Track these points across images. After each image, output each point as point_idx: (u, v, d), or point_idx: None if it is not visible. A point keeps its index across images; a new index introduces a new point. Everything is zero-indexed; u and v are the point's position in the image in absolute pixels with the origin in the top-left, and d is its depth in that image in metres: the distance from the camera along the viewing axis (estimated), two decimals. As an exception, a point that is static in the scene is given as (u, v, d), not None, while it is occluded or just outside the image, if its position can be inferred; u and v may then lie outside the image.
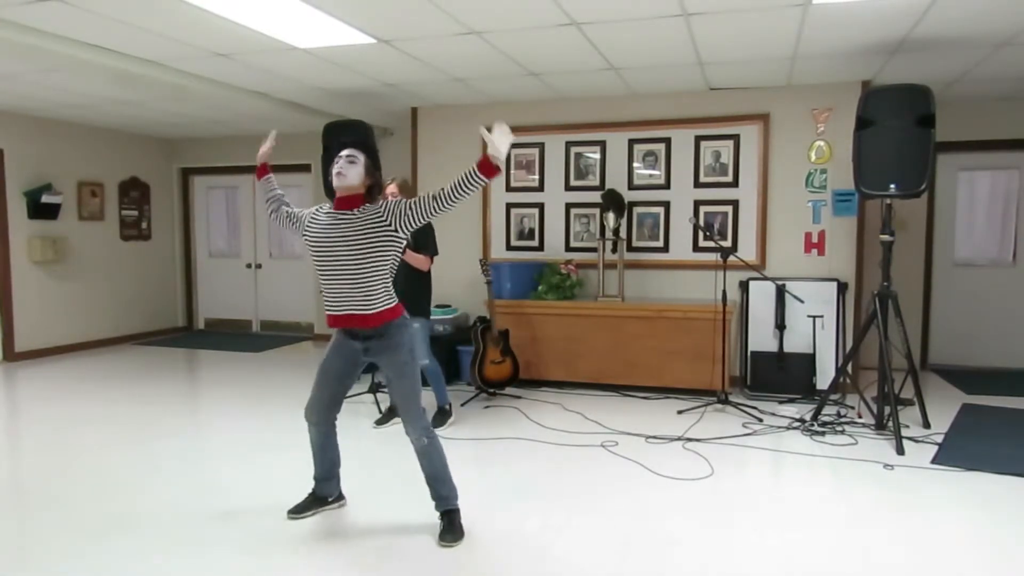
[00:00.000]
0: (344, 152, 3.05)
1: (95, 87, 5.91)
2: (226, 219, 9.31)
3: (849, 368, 5.08)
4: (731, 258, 5.15)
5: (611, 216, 5.87)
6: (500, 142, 2.75)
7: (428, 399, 3.50)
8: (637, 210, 6.19)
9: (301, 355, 7.67)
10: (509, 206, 6.57)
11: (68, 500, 3.49)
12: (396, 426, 4.77)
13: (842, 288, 5.61)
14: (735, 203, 5.95)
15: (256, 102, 6.11)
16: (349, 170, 3.04)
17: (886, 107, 4.43)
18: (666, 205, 6.13)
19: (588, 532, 3.11)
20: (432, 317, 5.63)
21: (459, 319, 6.32)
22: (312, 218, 3.12)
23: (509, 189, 6.55)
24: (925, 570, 2.77)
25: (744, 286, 5.80)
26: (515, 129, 6.77)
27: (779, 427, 4.75)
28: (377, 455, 4.18)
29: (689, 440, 4.45)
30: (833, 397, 5.16)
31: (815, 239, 5.79)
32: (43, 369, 6.85)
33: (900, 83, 4.54)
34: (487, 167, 2.77)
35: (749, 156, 5.89)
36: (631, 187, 6.17)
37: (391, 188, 4.75)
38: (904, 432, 4.40)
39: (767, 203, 5.87)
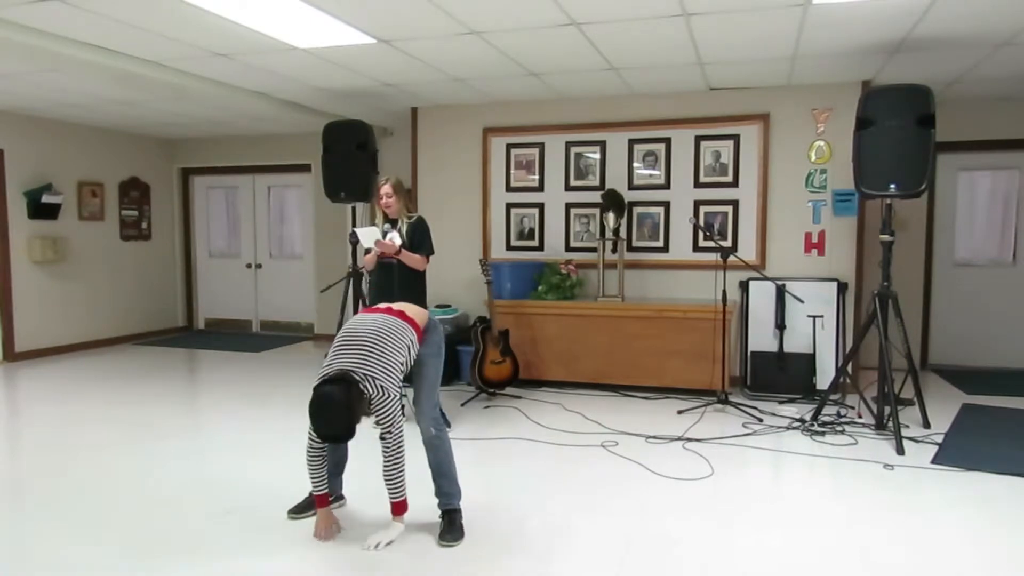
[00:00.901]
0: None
1: (95, 87, 5.91)
2: (226, 219, 9.31)
3: (849, 368, 5.08)
4: (731, 258, 5.15)
5: (611, 216, 5.86)
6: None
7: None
8: (637, 210, 6.19)
9: (301, 355, 7.66)
10: (509, 206, 6.57)
11: (68, 500, 3.49)
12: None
13: (842, 288, 5.61)
14: (735, 203, 5.95)
15: (256, 102, 6.11)
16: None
17: (886, 107, 4.43)
18: (666, 205, 6.13)
19: (588, 532, 3.11)
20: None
21: (459, 319, 6.32)
22: None
23: (509, 189, 6.55)
24: (925, 570, 2.77)
25: (744, 286, 5.80)
26: (515, 129, 6.83)
27: (779, 427, 4.75)
28: (377, 456, 4.16)
29: (689, 440, 4.45)
30: (833, 397, 5.15)
31: (815, 239, 5.79)
32: (43, 369, 6.85)
33: (900, 83, 4.54)
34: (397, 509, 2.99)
35: (749, 156, 5.89)
36: (631, 187, 6.17)
37: (385, 189, 4.75)
38: (904, 432, 4.39)
39: (767, 203, 5.87)
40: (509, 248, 6.58)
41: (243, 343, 8.33)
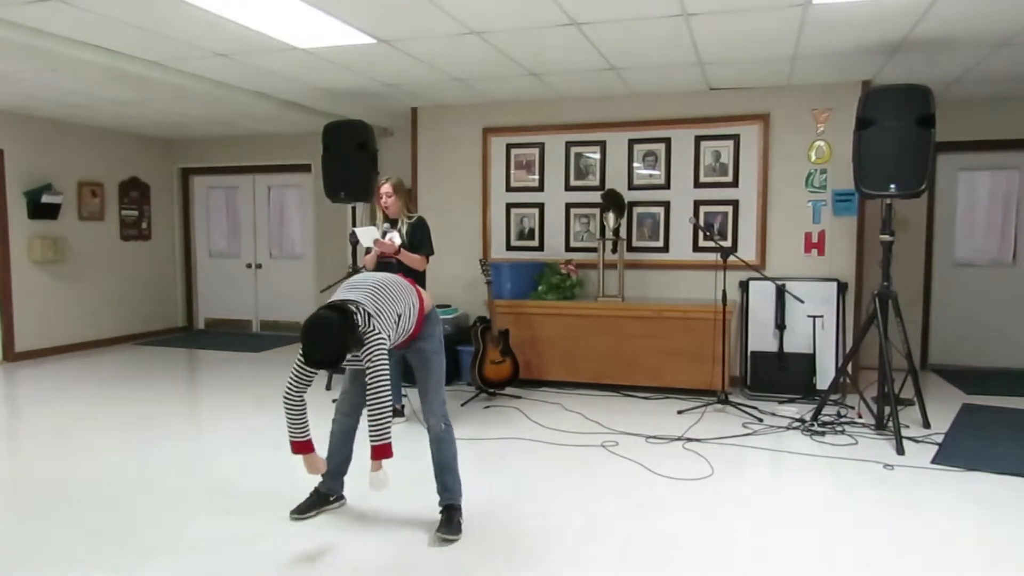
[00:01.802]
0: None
1: (95, 87, 5.91)
2: (226, 219, 9.31)
3: (849, 368, 5.08)
4: (731, 258, 5.15)
5: (611, 216, 5.86)
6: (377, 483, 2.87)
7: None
8: (637, 210, 6.19)
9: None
10: (509, 206, 6.57)
11: (68, 500, 3.49)
12: (395, 427, 4.77)
13: (842, 288, 5.61)
14: (735, 203, 5.95)
15: (256, 102, 6.11)
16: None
17: (886, 107, 4.43)
18: (666, 205, 6.13)
19: (588, 532, 3.11)
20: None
21: (459, 319, 6.32)
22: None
23: (509, 189, 6.55)
24: (925, 570, 2.77)
25: (744, 286, 5.79)
26: (515, 129, 6.83)
27: (779, 427, 4.75)
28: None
29: (689, 440, 4.45)
30: (833, 397, 5.15)
31: (815, 239, 5.79)
32: (43, 369, 6.85)
33: (900, 83, 4.54)
34: (377, 452, 2.85)
35: (749, 156, 5.89)
36: (631, 187, 6.17)
37: (385, 188, 4.75)
38: (904, 432, 4.39)
39: (767, 203, 5.87)
40: (509, 248, 6.58)
41: (243, 343, 8.33)
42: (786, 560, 2.85)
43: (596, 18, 4.10)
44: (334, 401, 3.42)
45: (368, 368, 2.80)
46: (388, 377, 2.82)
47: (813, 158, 5.77)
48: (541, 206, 6.48)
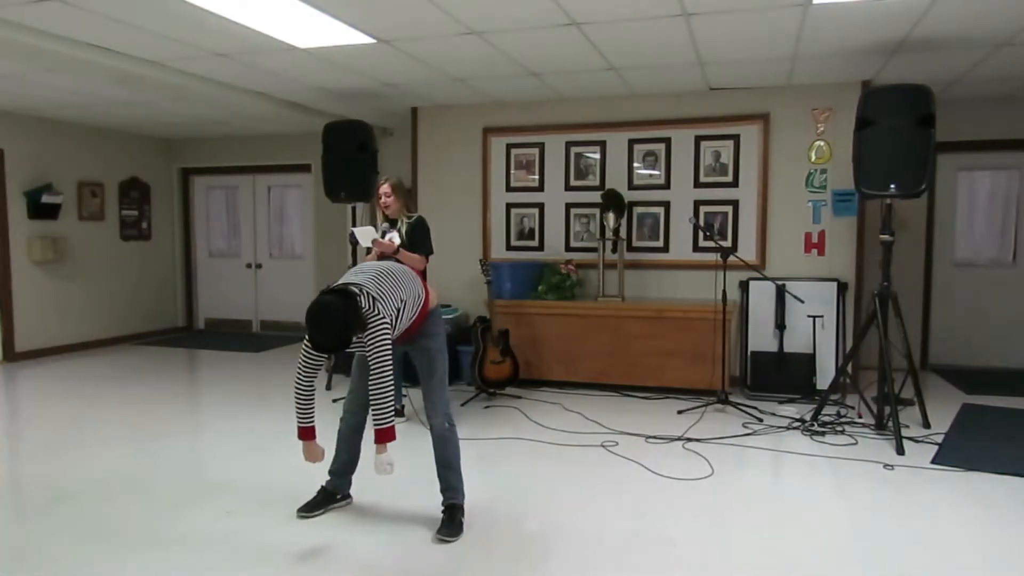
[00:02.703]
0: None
1: (95, 87, 5.91)
2: (226, 219, 9.31)
3: (849, 368, 5.08)
4: (731, 258, 5.15)
5: (611, 216, 5.86)
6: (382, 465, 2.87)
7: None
8: (637, 210, 6.19)
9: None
10: (509, 206, 6.57)
11: (68, 500, 3.49)
12: (397, 427, 4.77)
13: (842, 288, 5.61)
14: (735, 203, 5.95)
15: (256, 102, 6.10)
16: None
17: (886, 107, 4.43)
18: (666, 205, 6.13)
19: (588, 532, 3.11)
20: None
21: (459, 319, 6.32)
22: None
23: (509, 189, 6.55)
24: (925, 570, 2.77)
25: (744, 286, 5.79)
26: (515, 129, 6.82)
27: (779, 427, 4.75)
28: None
29: (689, 440, 4.45)
30: (833, 397, 5.15)
31: (815, 239, 5.79)
32: (43, 369, 6.85)
33: (900, 83, 4.54)
34: (381, 436, 2.85)
35: (749, 156, 5.89)
36: (631, 187, 6.17)
37: (384, 188, 4.75)
38: (904, 432, 4.39)
39: (767, 203, 5.87)
40: (509, 248, 6.58)
41: (243, 343, 8.33)
42: (786, 560, 2.85)
43: (596, 18, 4.10)
44: (335, 401, 3.42)
45: (371, 352, 2.81)
46: (391, 360, 2.84)
47: (813, 158, 5.77)
48: (541, 206, 6.48)
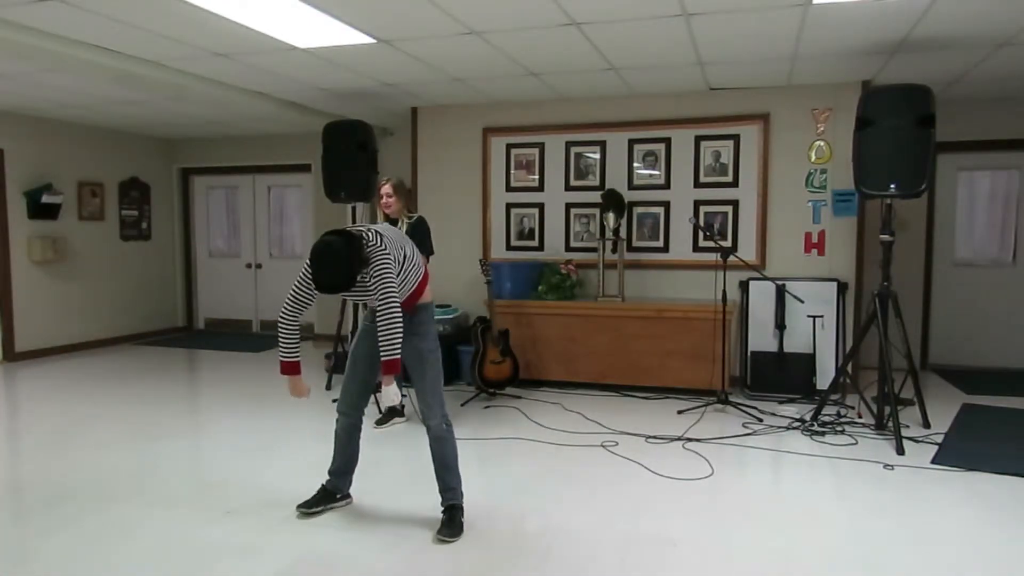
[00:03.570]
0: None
1: (95, 87, 5.91)
2: (226, 219, 9.31)
3: (849, 368, 5.08)
4: (731, 258, 5.15)
5: (611, 216, 5.86)
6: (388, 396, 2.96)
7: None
8: (637, 210, 6.19)
9: (301, 355, 7.65)
10: (509, 206, 6.56)
11: (68, 500, 3.49)
12: (396, 427, 4.78)
13: (842, 288, 5.61)
14: (735, 203, 5.95)
15: (256, 102, 6.10)
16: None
17: (886, 107, 4.43)
18: (666, 205, 6.13)
19: (588, 532, 3.11)
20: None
21: (459, 319, 6.32)
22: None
23: (509, 189, 6.55)
24: (925, 570, 2.77)
25: (744, 286, 5.79)
26: (515, 129, 6.83)
27: (779, 427, 4.75)
28: (378, 456, 4.17)
29: (689, 440, 4.45)
30: (833, 397, 5.15)
31: (815, 239, 5.79)
32: (43, 369, 6.85)
33: (900, 83, 4.54)
34: (387, 367, 2.90)
35: (749, 156, 5.89)
36: (631, 187, 6.17)
37: (385, 189, 4.76)
38: (904, 432, 4.39)
39: (767, 203, 5.87)
40: (509, 248, 6.58)
41: (243, 343, 8.32)
42: (786, 560, 2.85)
43: (596, 18, 4.10)
44: (335, 401, 3.42)
45: (375, 284, 2.86)
46: (396, 290, 2.88)
47: (813, 158, 5.77)
48: (541, 206, 6.48)
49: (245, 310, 9.25)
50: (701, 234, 5.99)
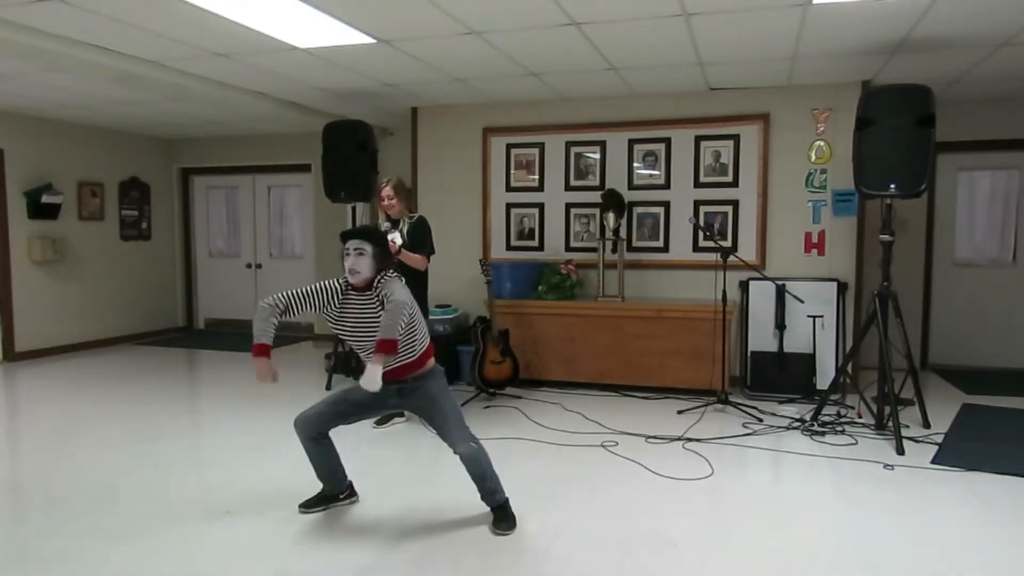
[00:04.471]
0: (352, 246, 3.04)
1: (95, 87, 5.91)
2: (226, 219, 9.31)
3: (849, 368, 5.08)
4: (731, 258, 5.15)
5: (611, 216, 5.86)
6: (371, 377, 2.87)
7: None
8: (637, 210, 6.19)
9: (301, 355, 7.67)
10: (509, 206, 6.56)
11: (68, 500, 3.49)
12: (396, 427, 4.78)
13: (842, 288, 5.61)
14: (735, 203, 5.95)
15: (256, 102, 6.11)
16: (360, 264, 3.03)
17: (886, 107, 4.42)
18: (666, 205, 6.13)
19: (588, 532, 3.11)
20: (432, 317, 5.65)
21: (459, 319, 6.32)
22: (330, 299, 3.11)
23: (509, 189, 6.55)
24: (925, 570, 2.77)
25: (744, 286, 5.79)
26: (515, 129, 6.83)
27: (779, 427, 4.75)
28: (378, 456, 4.18)
29: (689, 440, 4.45)
30: (833, 397, 5.15)
31: (815, 239, 5.79)
32: (43, 369, 6.85)
33: (900, 83, 4.54)
34: (381, 346, 2.87)
35: (749, 156, 5.89)
36: (631, 187, 6.17)
37: (386, 191, 4.76)
38: (904, 432, 4.39)
39: (767, 203, 5.87)
40: (509, 248, 6.58)
41: (243, 343, 8.29)
42: (786, 560, 2.85)
43: (596, 18, 4.10)
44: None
45: (385, 293, 2.94)
46: (407, 306, 2.93)
47: (813, 158, 5.77)
48: (541, 206, 6.48)
49: (245, 310, 9.23)
50: (701, 234, 5.99)
